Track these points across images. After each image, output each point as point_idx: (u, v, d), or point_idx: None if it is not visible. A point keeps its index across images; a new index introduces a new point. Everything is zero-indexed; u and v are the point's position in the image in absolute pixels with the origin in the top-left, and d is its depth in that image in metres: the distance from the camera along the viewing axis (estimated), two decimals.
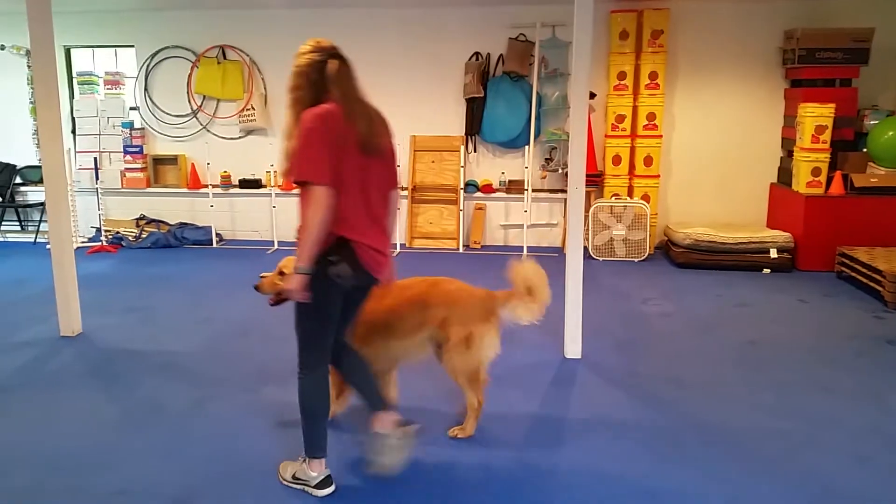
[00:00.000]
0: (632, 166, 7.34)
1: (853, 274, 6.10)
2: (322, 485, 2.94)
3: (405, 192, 7.76)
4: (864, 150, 6.75)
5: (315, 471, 2.94)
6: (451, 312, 3.28)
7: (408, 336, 3.31)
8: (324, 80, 2.82)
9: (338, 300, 2.85)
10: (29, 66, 7.93)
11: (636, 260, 7.08)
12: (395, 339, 3.32)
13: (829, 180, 6.59)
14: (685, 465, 3.17)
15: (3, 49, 8.06)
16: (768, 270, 6.61)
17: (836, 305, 5.62)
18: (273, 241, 7.76)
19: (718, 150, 7.48)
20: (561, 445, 3.36)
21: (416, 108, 7.79)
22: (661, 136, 7.22)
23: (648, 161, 7.23)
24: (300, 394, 2.94)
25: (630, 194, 7.34)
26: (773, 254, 6.61)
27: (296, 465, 3.02)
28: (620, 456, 3.25)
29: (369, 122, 2.81)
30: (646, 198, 7.24)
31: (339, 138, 2.70)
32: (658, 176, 7.30)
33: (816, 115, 6.49)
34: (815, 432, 3.49)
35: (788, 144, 7.12)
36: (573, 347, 4.44)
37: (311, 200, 2.64)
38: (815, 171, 6.57)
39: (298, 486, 2.98)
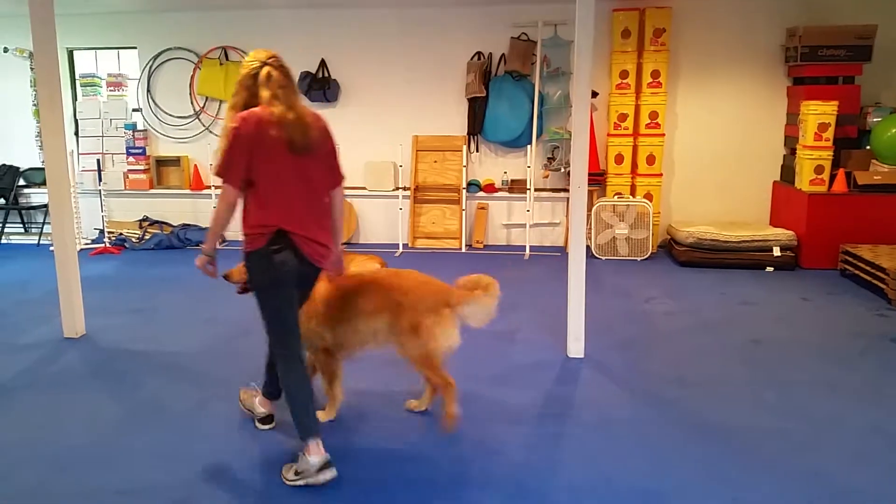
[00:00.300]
0: (634, 165, 7.33)
1: (856, 272, 6.08)
2: (322, 469, 2.98)
3: (408, 192, 7.77)
4: (868, 147, 6.73)
5: (314, 455, 2.98)
6: (405, 300, 3.40)
7: (367, 320, 3.44)
8: (256, 86, 3.04)
9: (290, 283, 3.05)
10: (32, 69, 7.95)
11: (639, 259, 7.07)
12: (357, 322, 3.44)
13: (833, 178, 6.57)
14: (687, 464, 3.17)
15: (6, 51, 8.09)
16: (771, 269, 6.59)
17: (840, 303, 5.61)
18: None
19: (721, 149, 7.47)
20: (563, 444, 3.36)
21: (419, 108, 7.79)
22: (663, 134, 7.21)
23: (651, 160, 7.22)
24: (280, 379, 3.10)
25: (633, 193, 7.33)
26: (776, 252, 6.59)
27: (297, 463, 3.05)
28: (623, 455, 3.25)
29: (298, 124, 3.00)
30: (648, 196, 7.23)
31: (262, 140, 2.93)
32: (661, 174, 7.30)
33: (819, 113, 6.48)
34: (817, 431, 3.48)
35: (791, 142, 7.10)
36: (576, 346, 4.44)
37: (221, 195, 2.97)
38: (818, 169, 6.56)
39: (302, 482, 2.99)
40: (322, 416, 3.50)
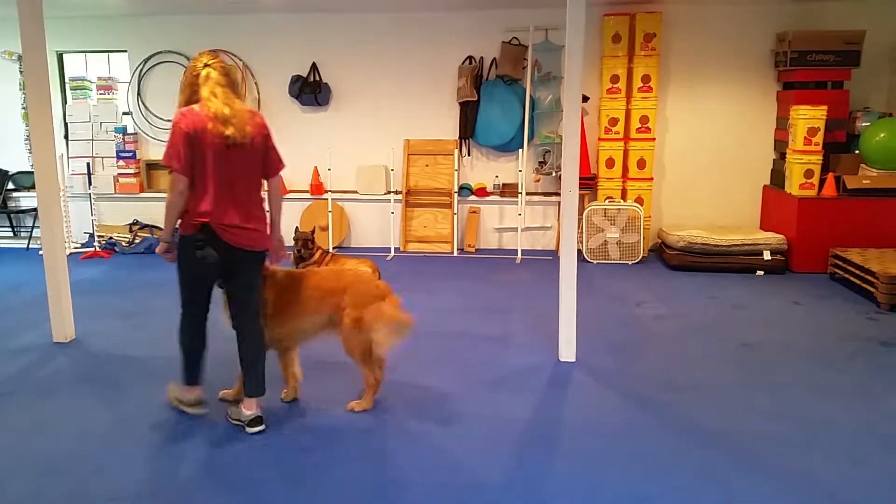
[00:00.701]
0: (625, 169, 7.36)
1: (846, 275, 6.12)
2: (192, 405, 3.67)
3: (399, 196, 7.77)
4: (857, 151, 6.78)
5: (188, 394, 3.67)
6: (349, 297, 3.69)
7: (314, 314, 3.75)
8: (196, 84, 3.35)
9: (205, 275, 3.49)
10: (21, 72, 7.90)
11: (630, 263, 7.09)
12: (307, 315, 3.76)
13: (822, 182, 6.61)
14: (681, 468, 3.17)
15: None
16: (762, 272, 6.62)
17: (830, 307, 5.64)
18: None
19: (711, 153, 7.51)
20: (555, 448, 3.36)
21: (410, 112, 7.80)
22: (654, 138, 7.24)
23: (642, 164, 7.25)
24: (178, 333, 3.66)
25: (624, 197, 7.35)
26: (767, 256, 6.62)
27: (179, 393, 3.70)
28: (615, 459, 3.25)
29: (231, 119, 3.30)
30: (639, 200, 7.26)
31: (197, 133, 3.26)
32: (651, 179, 7.32)
33: (809, 118, 6.52)
34: (810, 434, 3.50)
35: (781, 147, 7.14)
36: (567, 350, 4.44)
37: (171, 184, 3.31)
38: (808, 174, 6.60)
39: (176, 404, 3.72)
40: (284, 395, 3.89)
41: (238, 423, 3.56)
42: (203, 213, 3.30)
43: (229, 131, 3.27)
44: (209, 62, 3.39)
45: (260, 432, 3.49)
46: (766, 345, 4.77)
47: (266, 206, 3.60)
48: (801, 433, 3.51)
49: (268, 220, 3.60)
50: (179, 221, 3.38)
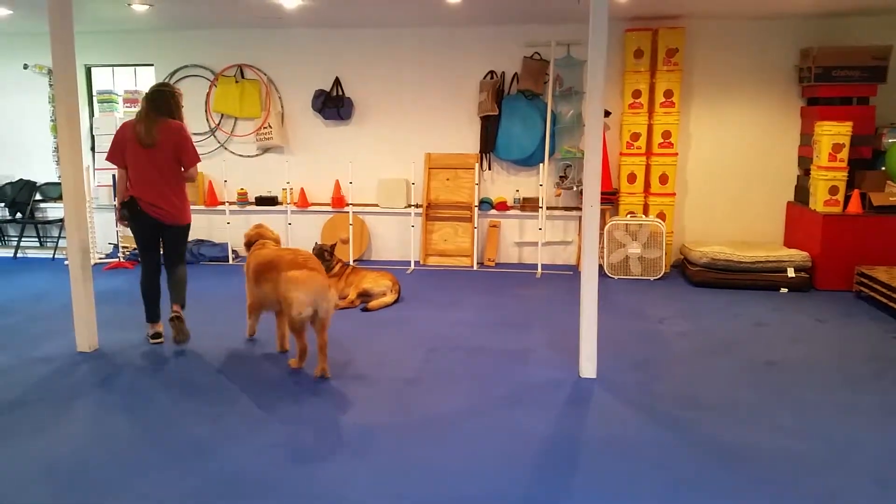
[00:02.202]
0: (647, 184, 7.32)
1: (872, 294, 6.03)
2: (153, 337, 5.04)
3: (420, 210, 7.79)
4: (883, 168, 6.70)
5: (150, 329, 5.05)
6: (282, 276, 4.43)
7: (266, 288, 4.63)
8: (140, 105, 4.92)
9: (141, 229, 4.91)
10: (50, 85, 8.07)
11: (652, 278, 7.04)
12: (264, 288, 4.65)
13: (847, 199, 6.54)
14: (702, 488, 3.13)
15: (25, 68, 8.21)
16: (785, 290, 6.55)
17: (856, 325, 5.55)
18: None
19: (735, 169, 7.45)
20: (576, 466, 3.33)
21: (432, 126, 7.83)
22: (676, 153, 7.20)
23: (664, 179, 7.21)
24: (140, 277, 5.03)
25: (646, 212, 7.31)
26: (791, 273, 6.55)
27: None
28: (636, 477, 3.21)
29: (145, 130, 4.75)
30: (661, 216, 7.22)
31: (126, 138, 4.80)
32: (674, 194, 7.28)
33: (833, 134, 6.46)
34: (835, 455, 3.43)
35: (805, 163, 7.07)
36: (588, 366, 4.41)
37: (117, 171, 4.93)
38: (833, 190, 6.52)
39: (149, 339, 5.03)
40: (292, 363, 4.59)
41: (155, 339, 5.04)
42: (131, 191, 4.84)
43: (145, 137, 4.76)
44: (149, 90, 4.91)
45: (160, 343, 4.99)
46: (789, 363, 4.70)
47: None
48: (826, 453, 3.44)
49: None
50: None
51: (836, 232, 6.50)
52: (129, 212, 4.83)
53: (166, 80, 5.61)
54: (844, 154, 6.48)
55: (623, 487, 3.12)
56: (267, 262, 4.66)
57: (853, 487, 3.13)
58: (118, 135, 4.82)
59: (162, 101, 4.83)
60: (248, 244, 5.16)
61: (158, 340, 5.03)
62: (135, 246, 7.89)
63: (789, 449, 3.48)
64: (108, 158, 4.85)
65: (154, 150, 4.76)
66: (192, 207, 8.11)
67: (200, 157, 5.27)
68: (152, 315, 5.04)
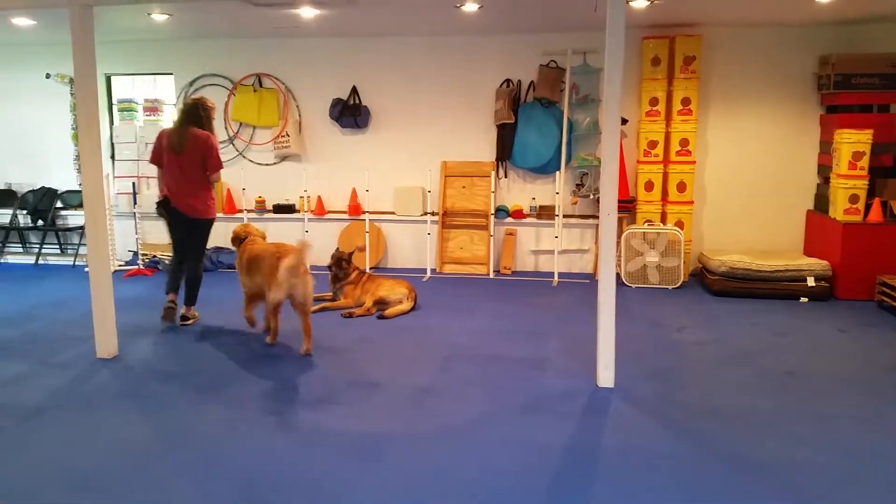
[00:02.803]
0: (665, 192, 7.28)
1: (894, 303, 5.95)
2: (167, 305, 5.67)
3: (436, 217, 7.80)
4: None
5: (166, 301, 5.67)
6: (264, 267, 5.01)
7: (255, 277, 5.16)
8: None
9: (173, 222, 5.65)
10: (72, 94, 8.17)
11: (670, 287, 6.99)
12: (255, 278, 5.18)
13: (868, 207, 6.46)
14: (722, 499, 3.09)
15: (48, 77, 8.32)
16: (805, 299, 6.48)
17: (878, 335, 5.48)
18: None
19: (753, 177, 7.39)
20: (593, 476, 3.30)
21: (448, 134, 7.85)
22: (694, 161, 7.16)
23: (682, 187, 7.17)
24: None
25: (663, 220, 7.27)
26: (811, 282, 6.48)
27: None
28: (654, 488, 3.18)
29: (177, 139, 5.47)
30: (679, 224, 7.17)
31: (162, 144, 5.55)
32: (692, 202, 7.23)
33: (853, 142, 6.40)
34: (856, 468, 3.38)
35: (825, 171, 7.01)
36: (606, 376, 4.38)
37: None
38: (853, 199, 6.46)
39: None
40: (268, 339, 5.24)
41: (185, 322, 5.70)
42: (165, 190, 5.59)
43: (175, 144, 5.47)
44: (183, 104, 5.62)
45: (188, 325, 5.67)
46: (810, 373, 4.65)
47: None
48: (847, 466, 3.40)
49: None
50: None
51: (857, 241, 6.43)
52: (164, 208, 5.60)
53: (199, 95, 5.98)
54: (865, 162, 6.41)
55: (642, 499, 3.09)
56: (256, 256, 5.19)
57: (877, 501, 3.08)
58: (157, 141, 5.60)
59: (193, 113, 5.52)
60: (237, 240, 5.60)
61: (170, 306, 5.68)
62: (154, 253, 7.98)
63: (810, 461, 3.44)
64: (150, 161, 5.71)
65: (182, 156, 5.47)
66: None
67: (223, 163, 5.81)
68: (170, 287, 5.71)
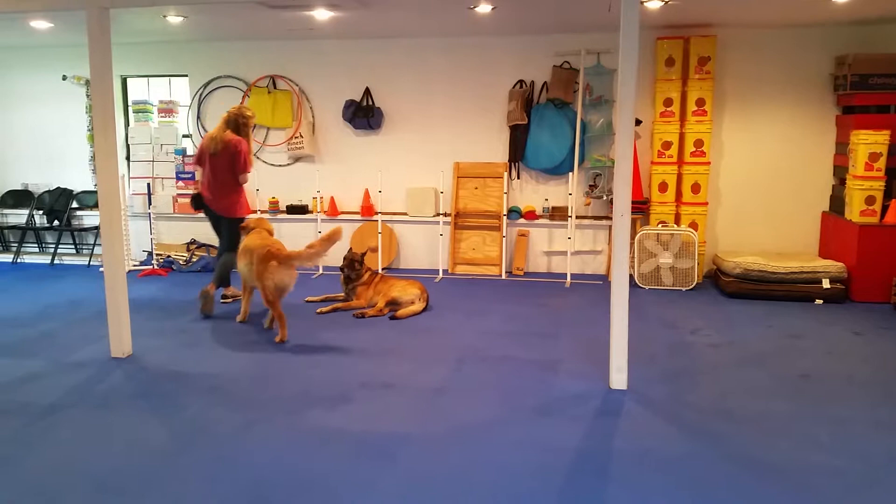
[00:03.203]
0: (679, 193, 7.25)
1: None
2: (222, 298, 6.45)
3: (448, 218, 7.80)
4: None
5: (210, 291, 6.10)
6: (255, 257, 5.46)
7: (250, 267, 5.51)
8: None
9: (209, 218, 6.44)
10: (88, 95, 8.24)
11: (684, 289, 6.95)
12: (250, 268, 5.53)
13: (885, 209, 6.40)
14: (735, 502, 3.07)
15: (64, 79, 8.40)
16: (820, 301, 6.43)
17: (893, 338, 5.43)
18: (318, 266, 7.84)
19: (768, 178, 7.34)
20: (607, 479, 3.29)
21: (460, 135, 7.85)
22: (709, 162, 7.12)
23: (696, 188, 7.13)
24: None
25: (677, 222, 7.23)
26: (826, 284, 6.43)
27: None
28: (667, 491, 3.17)
29: (213, 142, 6.13)
30: (693, 225, 7.13)
31: (203, 147, 6.24)
32: (706, 203, 7.19)
33: (870, 142, 6.34)
34: (874, 472, 3.35)
35: (841, 172, 6.95)
36: (619, 378, 4.36)
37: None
38: (870, 200, 6.40)
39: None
40: (238, 318, 5.87)
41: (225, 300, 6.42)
42: (200, 189, 6.33)
43: (211, 149, 6.12)
44: (227, 115, 6.22)
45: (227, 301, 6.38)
46: (825, 376, 4.61)
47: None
48: (864, 470, 3.36)
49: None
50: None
51: (873, 242, 6.37)
52: (198, 203, 6.30)
53: (242, 104, 6.86)
54: (882, 163, 6.35)
55: (655, 501, 3.08)
56: (245, 247, 5.61)
57: None
58: (201, 144, 6.35)
59: (232, 120, 6.15)
60: (245, 229, 5.90)
61: (227, 300, 6.45)
62: (168, 254, 8.02)
63: (826, 465, 3.41)
64: (192, 161, 6.70)
65: (216, 158, 6.10)
66: None
67: (250, 167, 6.29)
68: (219, 282, 6.30)
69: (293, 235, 8.16)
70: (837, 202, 6.96)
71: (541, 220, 7.74)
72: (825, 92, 7.13)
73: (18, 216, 8.65)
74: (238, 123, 6.15)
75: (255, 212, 6.99)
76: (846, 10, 6.14)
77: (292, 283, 5.47)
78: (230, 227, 6.19)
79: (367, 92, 7.92)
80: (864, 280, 6.41)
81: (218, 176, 6.11)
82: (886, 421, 3.91)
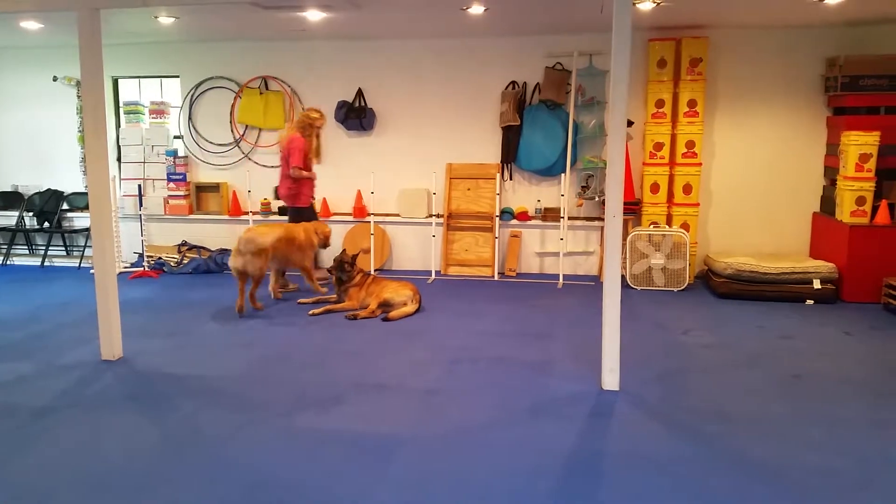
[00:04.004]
0: (671, 194, 7.27)
1: None
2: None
3: (441, 220, 7.80)
4: None
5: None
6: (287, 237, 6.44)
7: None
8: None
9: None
10: (79, 96, 8.20)
11: (675, 290, 6.97)
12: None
13: (875, 209, 6.44)
14: (728, 503, 3.08)
15: (55, 80, 8.36)
16: (811, 302, 6.45)
17: (884, 338, 5.46)
18: None
19: (759, 179, 7.37)
20: (599, 480, 3.29)
21: (453, 137, 7.85)
22: (700, 164, 7.14)
23: (688, 189, 7.16)
24: None
25: (669, 223, 7.25)
26: (817, 285, 6.46)
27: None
28: (660, 492, 3.17)
29: (280, 141, 6.94)
30: (685, 226, 7.15)
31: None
32: (698, 204, 7.21)
33: (861, 144, 6.37)
34: (866, 471, 3.36)
35: (831, 173, 6.99)
36: (611, 378, 4.36)
37: None
38: (860, 201, 6.43)
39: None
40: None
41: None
42: None
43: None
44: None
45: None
46: (817, 376, 4.62)
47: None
48: (857, 470, 3.37)
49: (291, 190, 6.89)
50: None
51: (864, 243, 6.40)
52: (277, 195, 7.25)
53: (313, 107, 7.27)
54: (872, 164, 6.39)
55: (648, 502, 3.08)
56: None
57: None
58: None
59: (299, 121, 6.82)
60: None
61: (289, 289, 6.94)
62: (159, 255, 7.99)
63: (819, 465, 3.42)
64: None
65: (281, 154, 6.93)
66: (215, 218, 8.39)
67: (300, 162, 6.73)
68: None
69: None
70: (828, 203, 6.99)
71: (533, 221, 7.75)
72: (816, 93, 7.16)
73: (8, 218, 8.59)
74: (304, 124, 6.76)
75: (311, 204, 7.11)
76: (837, 12, 6.17)
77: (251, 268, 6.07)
78: (291, 215, 6.95)
79: (360, 93, 7.91)
80: (854, 280, 6.44)
81: (282, 170, 6.89)
82: (878, 421, 3.93)
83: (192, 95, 8.23)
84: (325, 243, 6.78)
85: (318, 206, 8.00)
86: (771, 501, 3.09)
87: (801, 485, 3.23)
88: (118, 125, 8.52)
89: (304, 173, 6.80)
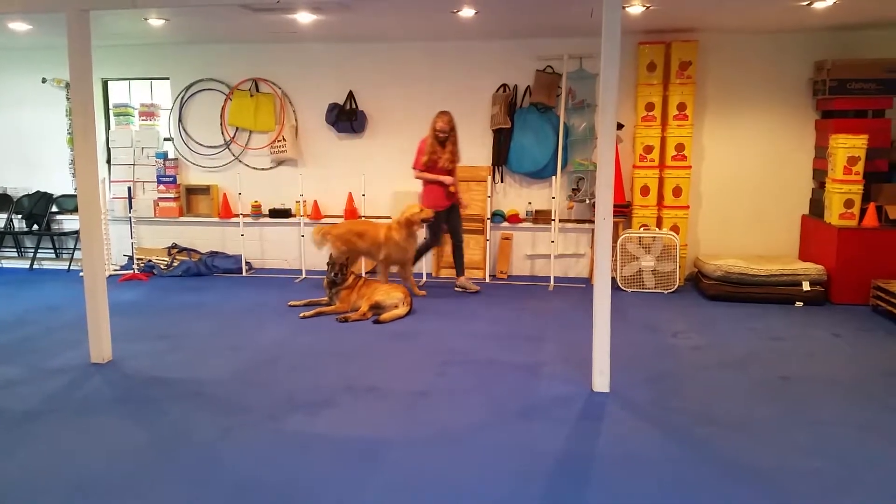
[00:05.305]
0: (660, 197, 7.29)
1: (889, 308, 5.96)
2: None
3: None
4: None
5: (463, 281, 7.10)
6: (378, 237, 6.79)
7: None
8: None
9: None
10: (68, 98, 8.16)
11: (665, 292, 7.00)
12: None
13: (863, 212, 6.48)
14: None
15: (44, 82, 8.31)
16: (800, 304, 6.49)
17: (873, 340, 5.49)
18: (301, 270, 7.81)
19: (749, 181, 7.41)
20: (588, 482, 3.30)
21: None
22: (690, 166, 7.17)
23: (677, 192, 7.19)
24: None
25: (659, 225, 7.28)
26: (806, 287, 6.49)
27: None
28: (649, 494, 3.18)
29: None
30: (675, 229, 7.18)
31: None
32: (687, 207, 7.24)
33: (849, 147, 6.41)
34: (853, 474, 3.38)
35: (820, 176, 7.03)
36: (601, 381, 4.38)
37: None
38: (848, 203, 6.47)
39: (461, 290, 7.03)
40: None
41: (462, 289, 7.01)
42: None
43: None
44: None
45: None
46: (806, 379, 4.65)
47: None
48: (844, 472, 3.39)
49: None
50: None
51: (852, 245, 6.45)
52: None
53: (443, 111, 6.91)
54: (860, 167, 6.43)
55: None
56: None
57: None
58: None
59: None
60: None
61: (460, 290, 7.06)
62: (149, 258, 7.96)
63: (806, 467, 3.44)
64: None
65: None
66: (205, 220, 8.37)
67: (417, 164, 6.83)
68: (460, 270, 7.13)
69: (278, 240, 8.15)
70: (817, 205, 7.03)
71: (524, 224, 7.76)
72: (804, 97, 7.21)
73: None
74: (433, 128, 6.75)
75: (441, 209, 6.93)
76: (825, 16, 6.21)
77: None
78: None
79: (351, 95, 7.90)
80: (843, 282, 6.49)
81: None
82: (866, 423, 3.95)
83: (182, 97, 8.20)
84: (423, 221, 6.78)
85: (309, 209, 8.00)
86: (757, 503, 3.10)
87: (788, 486, 3.25)
88: (108, 127, 8.48)
89: (427, 175, 6.79)
